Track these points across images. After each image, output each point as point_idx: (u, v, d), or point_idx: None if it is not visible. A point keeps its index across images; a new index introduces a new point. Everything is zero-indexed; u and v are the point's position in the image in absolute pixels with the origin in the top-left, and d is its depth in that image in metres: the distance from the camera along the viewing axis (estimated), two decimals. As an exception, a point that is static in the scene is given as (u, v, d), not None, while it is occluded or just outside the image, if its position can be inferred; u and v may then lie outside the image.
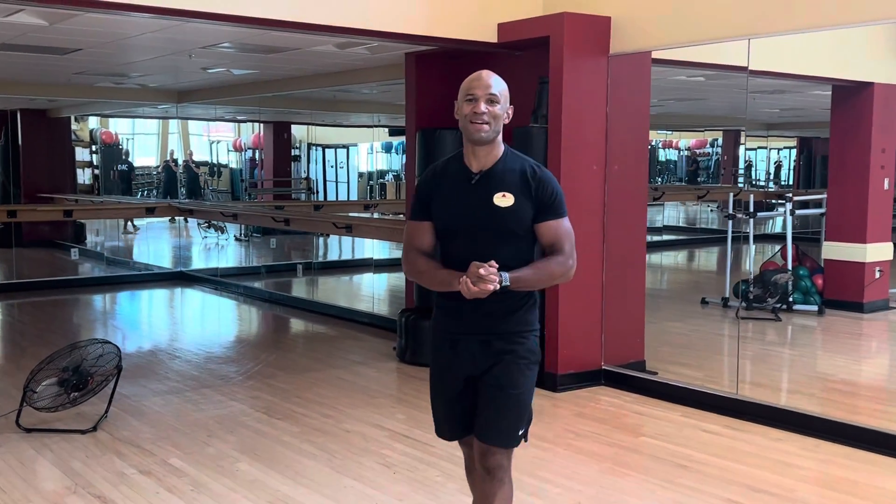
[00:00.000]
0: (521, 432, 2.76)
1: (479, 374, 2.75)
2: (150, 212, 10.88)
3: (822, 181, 12.46)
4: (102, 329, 8.37)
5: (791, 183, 14.03)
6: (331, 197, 15.18)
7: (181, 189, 14.49)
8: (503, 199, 2.66)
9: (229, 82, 9.68)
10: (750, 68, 5.50)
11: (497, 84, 2.69)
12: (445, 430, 2.92)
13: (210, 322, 9.06)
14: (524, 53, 6.18)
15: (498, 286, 2.56)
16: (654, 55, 5.98)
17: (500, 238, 2.68)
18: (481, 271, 2.55)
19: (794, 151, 14.30)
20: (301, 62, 7.76)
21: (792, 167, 14.41)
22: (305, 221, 9.36)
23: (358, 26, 5.58)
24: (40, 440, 4.67)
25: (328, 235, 12.48)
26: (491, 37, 6.06)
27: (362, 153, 15.32)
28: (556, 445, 4.64)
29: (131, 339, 7.84)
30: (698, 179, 15.57)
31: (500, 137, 2.72)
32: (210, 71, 8.54)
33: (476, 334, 2.74)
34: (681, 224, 16.79)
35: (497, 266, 2.58)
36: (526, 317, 2.76)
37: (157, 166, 16.14)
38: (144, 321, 9.11)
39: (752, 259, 9.17)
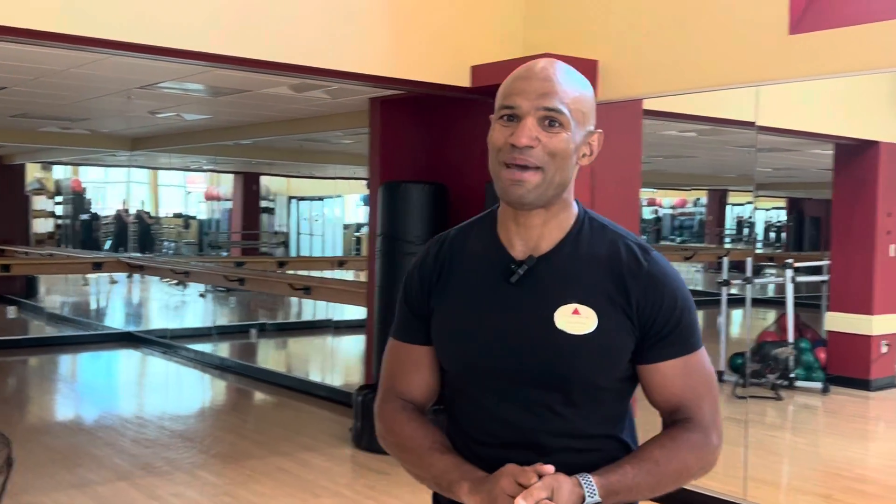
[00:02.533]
0: None
1: None
2: (98, 267, 10.05)
3: (812, 243, 11.91)
4: (18, 404, 7.49)
5: (779, 244, 13.50)
6: (304, 252, 14.51)
7: (132, 242, 13.75)
8: (575, 320, 1.39)
9: (185, 129, 8.97)
10: (758, 124, 4.83)
11: (567, 84, 1.41)
12: None
13: (148, 395, 8.14)
14: (501, 100, 5.50)
15: None
16: (648, 106, 5.32)
17: (567, 397, 1.41)
18: (521, 502, 1.27)
19: (782, 212, 13.78)
20: (257, 107, 7.07)
21: (780, 228, 13.88)
22: (260, 281, 8.56)
23: (312, 64, 4.87)
24: None
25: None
26: (464, 80, 5.37)
27: (339, 206, 14.73)
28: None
29: (50, 416, 6.98)
30: (677, 239, 15.09)
31: (570, 193, 1.46)
32: (160, 115, 7.82)
33: None
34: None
35: (552, 468, 1.33)
36: None
37: (106, 216, 15.44)
38: (72, 394, 8.16)
39: (750, 329, 8.46)
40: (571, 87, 1.42)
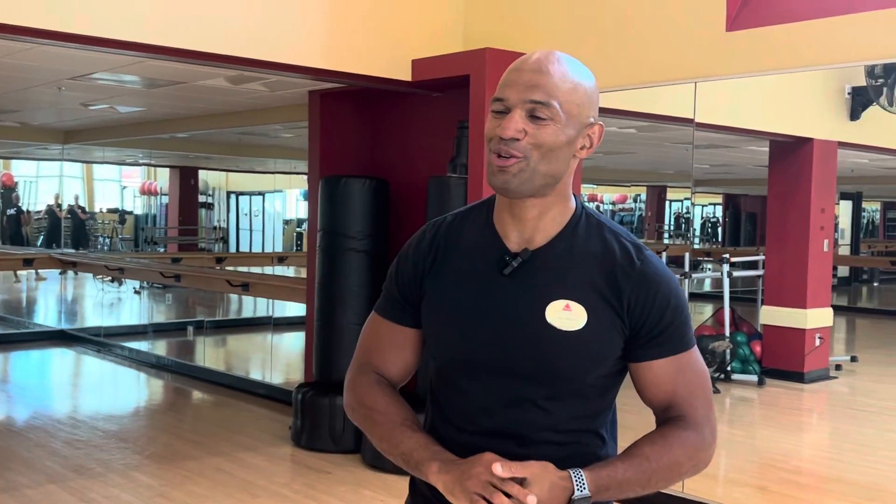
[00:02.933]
0: None
1: None
2: (29, 264, 9.74)
3: (748, 239, 12.13)
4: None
5: (716, 240, 13.73)
6: (244, 248, 14.30)
7: (65, 238, 13.40)
8: (565, 316, 1.38)
9: (119, 121, 8.75)
10: (696, 120, 4.88)
11: (560, 76, 1.40)
12: None
13: (81, 395, 7.91)
14: (443, 95, 5.47)
15: None
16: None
17: (552, 392, 1.41)
18: (497, 467, 1.29)
19: (719, 208, 14.01)
20: (194, 99, 6.92)
21: (716, 223, 14.11)
22: (198, 278, 8.39)
23: (249, 56, 4.78)
24: None
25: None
26: (405, 75, 5.33)
27: (280, 201, 14.56)
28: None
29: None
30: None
31: (566, 186, 1.45)
32: (93, 108, 7.61)
33: None
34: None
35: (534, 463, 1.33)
36: None
37: (38, 211, 15.03)
38: (2, 394, 7.85)
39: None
40: (564, 80, 1.41)
